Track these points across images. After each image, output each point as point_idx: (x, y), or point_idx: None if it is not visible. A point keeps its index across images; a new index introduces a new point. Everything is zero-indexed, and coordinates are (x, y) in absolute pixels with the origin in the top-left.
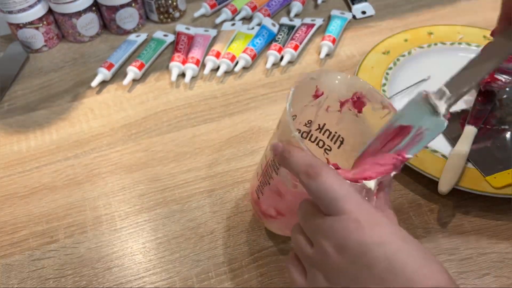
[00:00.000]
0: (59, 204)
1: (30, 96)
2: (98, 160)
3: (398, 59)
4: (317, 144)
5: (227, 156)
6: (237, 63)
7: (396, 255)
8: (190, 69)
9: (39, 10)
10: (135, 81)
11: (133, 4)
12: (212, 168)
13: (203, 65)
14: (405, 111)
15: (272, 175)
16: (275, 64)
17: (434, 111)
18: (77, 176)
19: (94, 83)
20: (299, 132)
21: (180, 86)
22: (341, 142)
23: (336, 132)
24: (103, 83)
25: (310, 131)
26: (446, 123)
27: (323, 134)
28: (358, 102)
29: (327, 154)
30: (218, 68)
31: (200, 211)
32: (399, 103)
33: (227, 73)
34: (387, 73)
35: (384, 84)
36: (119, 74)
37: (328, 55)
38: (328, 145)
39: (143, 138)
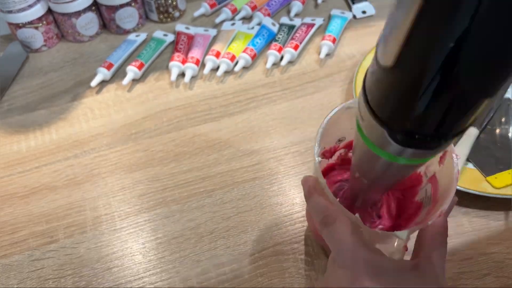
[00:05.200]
0: (59, 204)
1: (30, 96)
2: (98, 160)
3: None
4: None
5: (227, 156)
6: (237, 63)
7: None
8: (190, 69)
9: (38, 10)
10: (134, 81)
11: (133, 4)
12: (212, 168)
13: (203, 65)
14: None
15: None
16: (275, 64)
17: None
18: (77, 176)
19: (94, 83)
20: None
21: (180, 86)
22: None
23: None
24: (103, 83)
25: None
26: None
27: None
28: None
29: None
30: (218, 68)
31: (200, 211)
32: None
33: (227, 73)
34: None
35: None
36: (119, 74)
37: (328, 55)
38: None
39: (143, 138)
